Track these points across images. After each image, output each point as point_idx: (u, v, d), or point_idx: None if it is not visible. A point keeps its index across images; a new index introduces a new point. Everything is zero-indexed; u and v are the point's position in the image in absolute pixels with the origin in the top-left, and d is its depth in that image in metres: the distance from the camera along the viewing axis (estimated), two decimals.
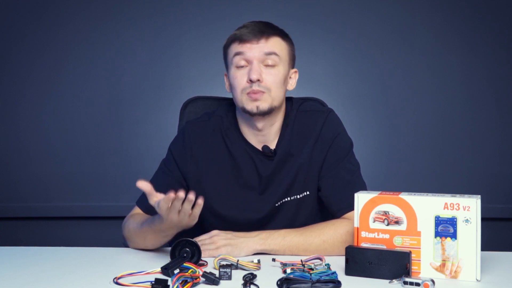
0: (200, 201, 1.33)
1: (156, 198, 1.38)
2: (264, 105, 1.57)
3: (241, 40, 1.58)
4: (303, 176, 1.64)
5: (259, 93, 1.55)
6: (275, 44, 1.59)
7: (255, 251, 1.49)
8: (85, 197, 2.85)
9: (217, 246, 1.48)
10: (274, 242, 1.50)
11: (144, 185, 1.37)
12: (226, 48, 1.64)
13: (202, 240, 1.50)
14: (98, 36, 2.85)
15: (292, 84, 1.67)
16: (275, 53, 1.58)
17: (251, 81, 1.55)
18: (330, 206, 1.62)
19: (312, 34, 2.84)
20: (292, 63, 1.66)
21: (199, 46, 2.85)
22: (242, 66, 1.58)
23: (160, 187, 1.67)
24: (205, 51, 2.85)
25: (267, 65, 1.57)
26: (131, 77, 2.86)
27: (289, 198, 1.64)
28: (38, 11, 2.84)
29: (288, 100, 1.71)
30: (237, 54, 1.58)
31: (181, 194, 1.30)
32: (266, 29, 1.59)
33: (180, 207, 1.33)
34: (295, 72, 1.68)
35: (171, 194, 1.31)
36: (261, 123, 1.62)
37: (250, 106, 1.57)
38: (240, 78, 1.58)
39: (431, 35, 2.87)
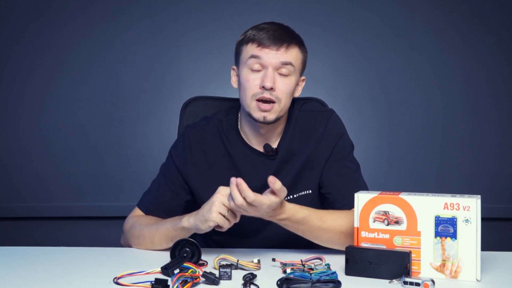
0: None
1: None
2: (271, 116, 1.56)
3: (260, 43, 1.55)
4: (305, 175, 1.64)
5: (269, 103, 1.54)
6: (293, 54, 1.57)
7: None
8: (85, 197, 2.85)
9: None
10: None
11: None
12: (241, 45, 1.60)
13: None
14: (98, 36, 2.84)
15: (298, 91, 1.66)
16: (291, 64, 1.56)
17: (263, 88, 1.54)
18: (334, 202, 1.62)
19: (312, 34, 2.82)
20: (303, 71, 1.65)
21: (199, 46, 2.85)
22: (256, 70, 1.55)
23: (162, 192, 1.67)
24: (205, 51, 2.85)
25: (281, 74, 1.56)
26: (131, 77, 2.85)
27: (290, 197, 1.64)
28: (38, 11, 2.84)
29: None
30: (253, 57, 1.55)
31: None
32: (286, 37, 1.56)
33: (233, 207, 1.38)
34: (303, 80, 1.66)
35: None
36: (264, 129, 1.62)
37: (257, 115, 1.56)
38: (252, 82, 1.55)
39: (431, 35, 2.87)
